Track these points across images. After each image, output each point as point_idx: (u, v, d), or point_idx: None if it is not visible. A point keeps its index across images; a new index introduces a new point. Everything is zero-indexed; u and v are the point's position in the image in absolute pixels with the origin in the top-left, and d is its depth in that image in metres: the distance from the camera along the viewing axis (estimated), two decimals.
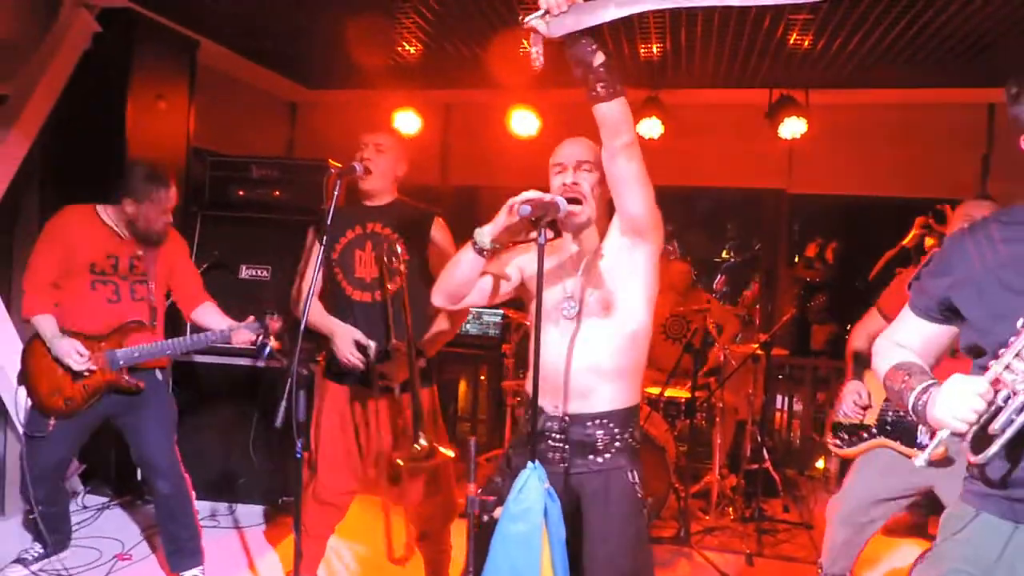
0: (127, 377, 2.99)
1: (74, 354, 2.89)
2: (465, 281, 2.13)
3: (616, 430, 2.03)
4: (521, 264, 2.21)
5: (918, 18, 4.00)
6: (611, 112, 1.85)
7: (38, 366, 2.96)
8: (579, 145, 2.11)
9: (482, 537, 1.89)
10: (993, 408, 1.30)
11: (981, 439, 1.34)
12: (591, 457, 2.02)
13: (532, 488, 1.88)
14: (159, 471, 3.08)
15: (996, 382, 1.30)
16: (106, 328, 2.99)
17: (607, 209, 2.10)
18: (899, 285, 3.01)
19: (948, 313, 1.53)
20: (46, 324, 2.92)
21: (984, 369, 1.36)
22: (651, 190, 1.96)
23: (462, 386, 6.08)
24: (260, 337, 3.03)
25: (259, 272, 4.19)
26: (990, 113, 5.32)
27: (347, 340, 2.74)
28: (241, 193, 4.29)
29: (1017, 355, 1.29)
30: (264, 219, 4.22)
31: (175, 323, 3.42)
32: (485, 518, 1.89)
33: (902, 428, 2.80)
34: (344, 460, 2.83)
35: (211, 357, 4.07)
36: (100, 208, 3.08)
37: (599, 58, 1.81)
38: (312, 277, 2.67)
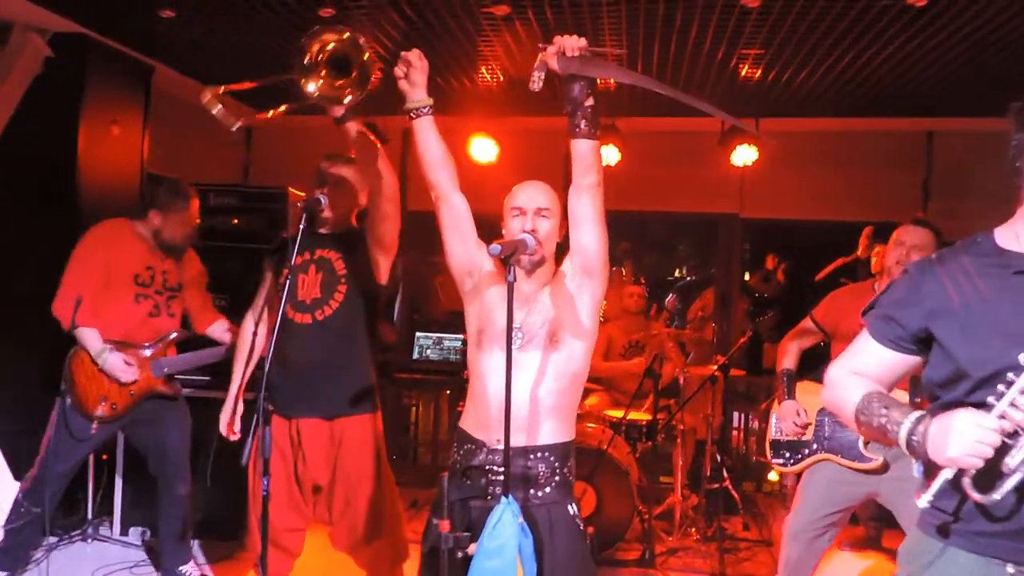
0: (167, 383, 3.25)
1: (124, 368, 3.09)
2: (425, 148, 2.15)
3: (556, 464, 2.05)
4: (483, 266, 2.17)
5: (862, 54, 4.19)
6: (588, 150, 1.98)
7: (85, 374, 3.13)
8: (537, 191, 2.15)
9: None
10: (1000, 445, 1.29)
11: (985, 477, 1.32)
12: (532, 491, 2.02)
13: (506, 524, 1.88)
14: (180, 472, 3.32)
15: (1002, 418, 1.31)
16: (148, 338, 3.22)
17: (556, 252, 2.18)
18: (834, 299, 3.09)
19: (920, 344, 1.53)
20: (92, 338, 3.09)
21: (960, 405, 1.37)
22: (606, 232, 2.05)
23: (422, 411, 6.06)
24: None
25: (217, 301, 4.11)
26: (929, 140, 5.58)
27: (226, 412, 2.77)
28: (198, 221, 4.22)
29: (1022, 391, 1.29)
30: (222, 247, 4.16)
31: None
32: (459, 554, 1.89)
33: (840, 441, 2.88)
34: (287, 498, 2.73)
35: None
36: (134, 222, 3.25)
37: (590, 100, 1.95)
38: (261, 309, 2.70)
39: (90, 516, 3.86)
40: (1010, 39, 3.86)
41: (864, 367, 1.60)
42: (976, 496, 1.33)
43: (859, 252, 4.74)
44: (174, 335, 3.29)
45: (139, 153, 4.39)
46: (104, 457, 3.87)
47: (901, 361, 1.57)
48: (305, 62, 2.25)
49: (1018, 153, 1.43)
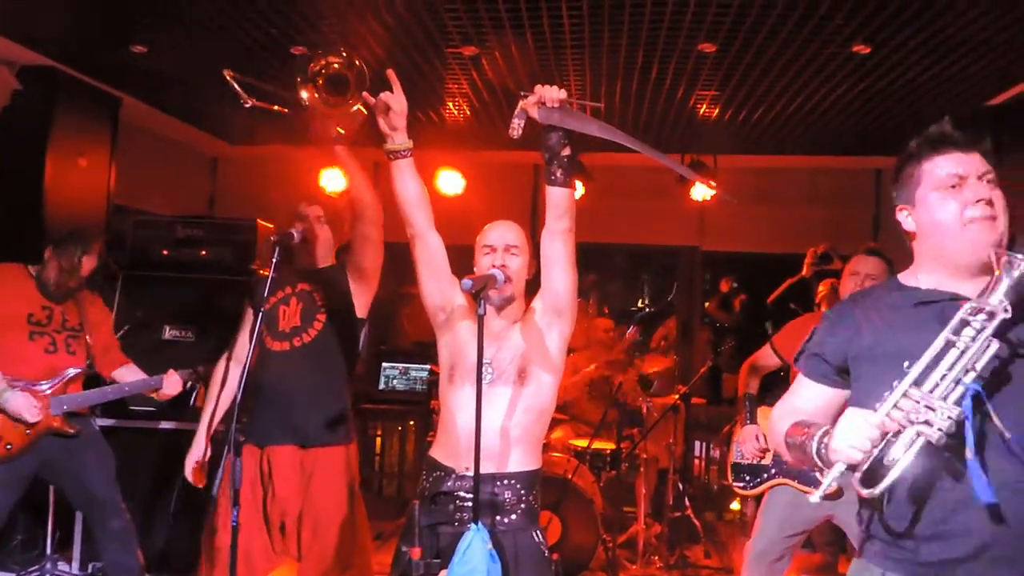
0: (63, 423, 3.10)
1: (28, 407, 3.00)
2: (403, 188, 2.18)
3: (522, 491, 2.10)
4: (455, 301, 2.23)
5: (812, 96, 4.41)
6: (563, 197, 2.06)
7: None
8: (507, 229, 2.24)
9: None
10: (884, 442, 1.38)
11: (872, 474, 1.40)
12: (498, 518, 2.07)
13: (476, 550, 1.93)
14: (108, 507, 3.20)
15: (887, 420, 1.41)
16: (45, 375, 3.10)
17: (526, 289, 2.26)
18: (793, 327, 3.25)
19: (845, 375, 1.65)
20: None
21: None
22: (576, 274, 2.14)
23: (388, 442, 6.05)
24: (190, 383, 3.18)
25: (183, 333, 4.12)
26: (877, 178, 5.84)
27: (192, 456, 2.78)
28: (165, 252, 4.23)
29: (904, 395, 1.39)
30: (189, 279, 4.16)
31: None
32: None
33: (797, 466, 2.99)
34: (256, 532, 2.68)
35: (133, 421, 3.95)
36: (28, 267, 3.20)
37: (567, 150, 2.04)
38: (247, 348, 2.66)
39: (49, 551, 3.78)
40: (945, 85, 4.11)
41: (802, 404, 1.71)
42: (862, 491, 1.41)
43: (804, 272, 4.93)
44: (72, 372, 3.17)
45: (105, 185, 4.38)
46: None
47: (834, 395, 1.68)
48: (309, 70, 2.22)
49: (896, 209, 1.63)
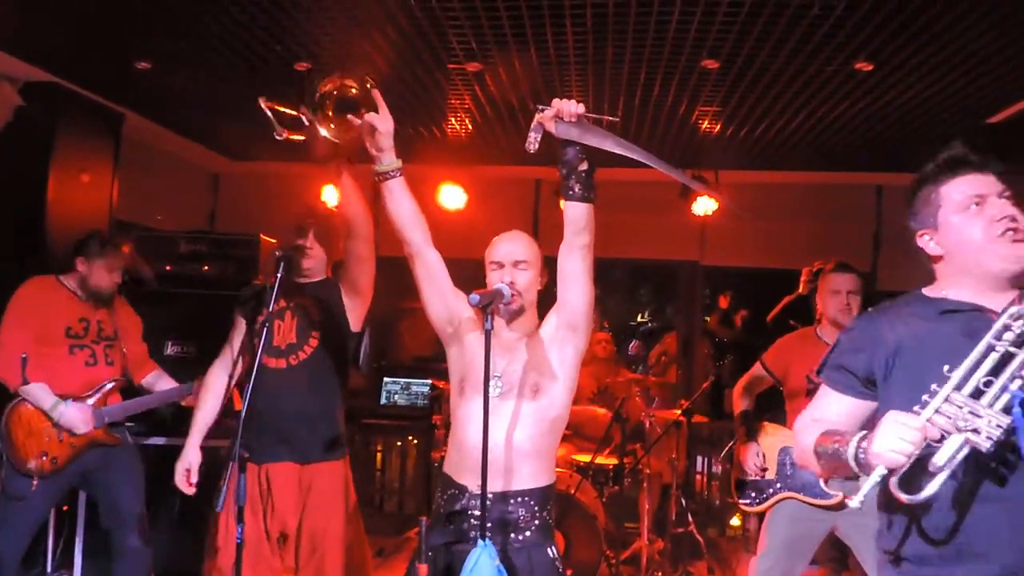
0: (108, 432, 3.17)
1: (81, 419, 3.06)
2: (397, 209, 2.16)
3: (536, 508, 2.09)
4: (461, 315, 2.22)
5: (813, 113, 4.43)
6: (581, 213, 2.01)
7: (24, 430, 3.05)
8: (515, 244, 2.21)
9: None
10: (926, 446, 1.37)
11: (912, 478, 1.39)
12: (512, 535, 2.06)
13: (484, 567, 1.92)
14: (132, 523, 3.19)
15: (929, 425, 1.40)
16: (86, 388, 3.15)
17: (537, 301, 2.24)
18: (782, 344, 3.28)
19: (871, 386, 1.65)
20: (42, 393, 3.05)
21: None
22: (593, 290, 2.11)
23: (389, 457, 6.02)
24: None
25: (184, 348, 4.10)
26: (878, 194, 5.85)
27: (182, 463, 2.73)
28: (169, 268, 4.22)
29: (947, 400, 1.39)
30: (191, 295, 4.15)
31: None
32: None
33: (801, 479, 3.00)
34: (258, 548, 2.67)
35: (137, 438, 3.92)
36: (60, 277, 3.22)
37: (585, 165, 1.99)
38: (239, 360, 2.69)
39: (49, 569, 3.74)
40: (947, 102, 4.14)
41: (825, 415, 1.71)
42: (903, 496, 1.39)
43: (800, 289, 4.94)
44: (112, 384, 3.22)
45: (108, 200, 4.39)
46: (65, 508, 3.78)
47: (859, 406, 1.68)
48: (323, 88, 2.21)
49: (916, 236, 1.66)
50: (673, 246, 6.16)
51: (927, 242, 1.64)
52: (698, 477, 6.10)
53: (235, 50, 3.82)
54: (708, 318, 7.10)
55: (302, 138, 2.32)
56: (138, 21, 3.53)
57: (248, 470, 2.62)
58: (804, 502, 2.97)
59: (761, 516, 3.19)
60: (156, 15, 3.47)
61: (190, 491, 2.73)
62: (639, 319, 9.73)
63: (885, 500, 1.60)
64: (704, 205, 5.44)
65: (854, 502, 1.41)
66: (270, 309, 2.49)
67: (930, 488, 1.36)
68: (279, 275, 2.50)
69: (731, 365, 6.51)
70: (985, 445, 1.32)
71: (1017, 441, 1.33)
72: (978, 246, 1.54)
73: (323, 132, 2.20)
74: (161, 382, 3.41)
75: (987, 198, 1.56)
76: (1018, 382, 1.37)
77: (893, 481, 1.40)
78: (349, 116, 2.19)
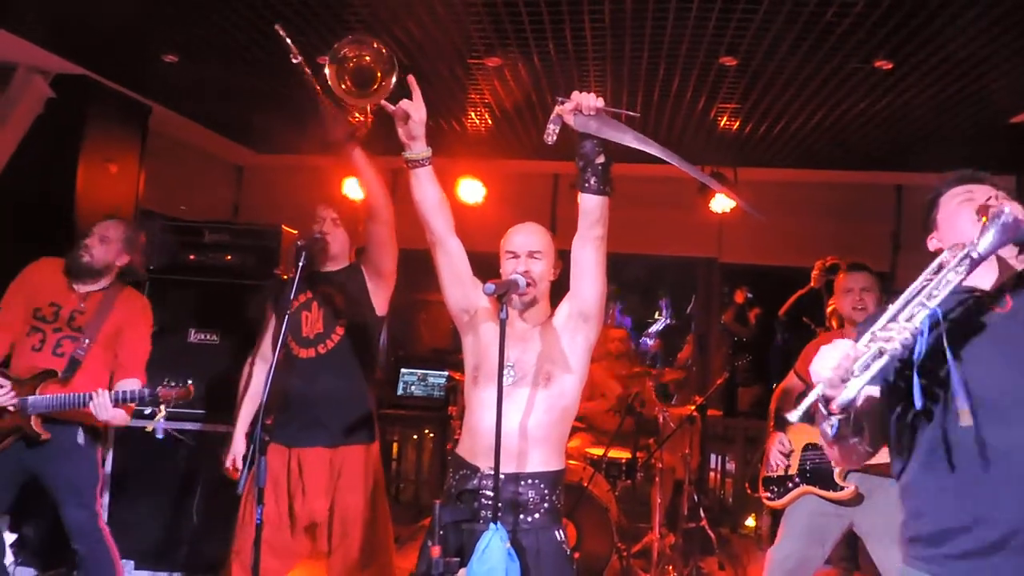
0: (34, 425, 2.92)
1: None
2: (423, 196, 2.21)
3: (546, 491, 2.14)
4: (478, 304, 2.26)
5: (832, 111, 4.42)
6: (596, 205, 2.05)
7: None
8: (530, 235, 2.26)
9: None
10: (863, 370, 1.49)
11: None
12: (522, 516, 2.11)
13: (495, 549, 1.97)
14: (73, 530, 3.05)
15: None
16: (27, 373, 2.99)
17: (550, 291, 2.28)
18: (810, 350, 3.31)
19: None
20: None
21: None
22: (605, 281, 2.15)
23: (406, 447, 6.09)
24: (149, 409, 2.96)
25: (208, 336, 4.19)
26: (898, 193, 5.82)
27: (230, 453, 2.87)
28: (192, 257, 4.31)
29: (882, 328, 1.52)
30: (215, 284, 4.22)
31: None
32: None
33: (820, 473, 3.10)
34: (278, 529, 2.71)
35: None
36: (66, 256, 3.16)
37: (601, 158, 2.02)
38: (272, 351, 2.72)
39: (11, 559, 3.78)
40: (967, 102, 4.11)
41: None
42: (830, 412, 1.50)
43: (813, 283, 4.94)
44: (51, 375, 2.97)
45: (134, 191, 4.50)
46: None
47: (873, 391, 1.73)
48: (339, 54, 2.23)
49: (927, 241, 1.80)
50: (691, 243, 6.17)
51: (931, 242, 1.77)
52: (712, 474, 6.11)
53: (260, 44, 3.89)
54: (724, 314, 7.11)
55: (314, 78, 2.33)
56: (166, 15, 3.61)
57: (277, 452, 2.78)
58: (822, 496, 3.06)
59: (778, 515, 3.25)
60: (183, 10, 3.54)
61: (236, 477, 2.83)
62: (655, 316, 9.74)
63: (901, 489, 1.68)
64: (722, 202, 5.45)
65: (793, 416, 1.51)
66: (291, 301, 2.57)
67: (846, 392, 1.46)
68: (300, 266, 2.58)
69: (747, 364, 6.52)
70: (890, 348, 1.45)
71: (920, 345, 1.50)
72: (964, 224, 1.68)
73: (340, 87, 2.20)
74: (123, 385, 3.05)
75: (976, 192, 1.69)
76: (934, 300, 1.51)
77: (822, 398, 1.49)
78: (368, 95, 2.22)
